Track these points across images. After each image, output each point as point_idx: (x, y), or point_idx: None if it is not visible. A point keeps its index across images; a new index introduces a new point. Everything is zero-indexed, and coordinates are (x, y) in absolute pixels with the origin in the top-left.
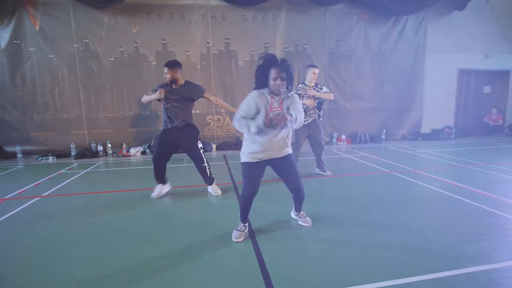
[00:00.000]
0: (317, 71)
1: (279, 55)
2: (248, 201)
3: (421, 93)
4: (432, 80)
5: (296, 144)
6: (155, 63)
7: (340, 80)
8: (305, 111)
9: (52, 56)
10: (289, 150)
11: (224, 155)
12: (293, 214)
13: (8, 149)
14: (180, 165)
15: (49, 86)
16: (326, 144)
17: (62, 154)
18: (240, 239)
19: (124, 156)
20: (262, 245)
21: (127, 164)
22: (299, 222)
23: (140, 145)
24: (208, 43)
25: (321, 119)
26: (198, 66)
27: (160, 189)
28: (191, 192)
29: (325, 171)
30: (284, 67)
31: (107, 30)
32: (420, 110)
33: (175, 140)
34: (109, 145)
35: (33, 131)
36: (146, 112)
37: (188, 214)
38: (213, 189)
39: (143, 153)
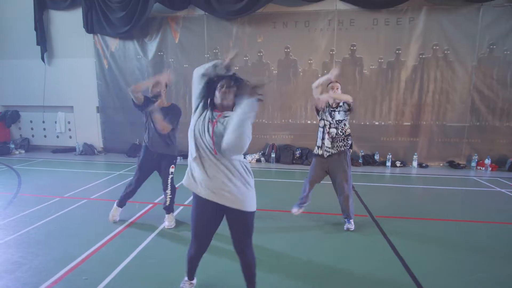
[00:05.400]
0: (337, 85)
1: (412, 62)
2: (192, 260)
3: None
4: None
5: (309, 177)
6: (276, 71)
7: (490, 92)
8: (332, 139)
9: (187, 65)
10: (247, 206)
11: None
12: None
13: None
14: None
15: (182, 93)
16: (462, 168)
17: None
18: None
19: None
20: None
21: None
22: None
23: (255, 152)
24: (332, 50)
25: (350, 150)
26: (319, 75)
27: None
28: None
29: (350, 222)
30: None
31: (235, 40)
32: None
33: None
34: None
35: None
36: (263, 121)
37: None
38: (169, 221)
39: (258, 160)
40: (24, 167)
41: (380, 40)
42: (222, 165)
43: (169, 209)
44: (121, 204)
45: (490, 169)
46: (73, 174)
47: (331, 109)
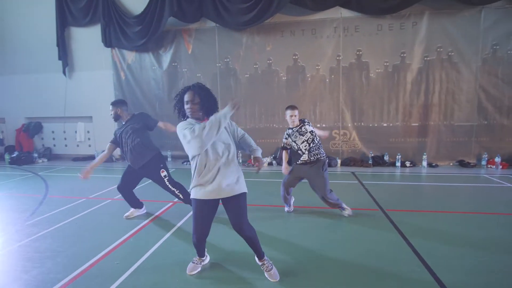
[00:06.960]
0: (295, 112)
1: (417, 64)
2: (197, 245)
3: None
4: None
5: (285, 184)
6: (285, 78)
7: (496, 91)
8: (309, 151)
9: (199, 75)
10: (242, 187)
11: (353, 172)
12: (257, 260)
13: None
14: None
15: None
16: (472, 166)
17: None
18: (194, 272)
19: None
20: None
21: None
22: (265, 274)
23: (267, 156)
24: (339, 56)
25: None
26: (327, 80)
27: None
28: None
29: (344, 209)
30: (196, 90)
31: (245, 49)
32: None
33: (139, 173)
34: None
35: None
36: (274, 125)
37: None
38: None
39: (270, 164)
40: (48, 173)
41: (385, 45)
42: None
43: (188, 201)
44: (132, 205)
45: (500, 167)
46: (95, 178)
47: (297, 130)
